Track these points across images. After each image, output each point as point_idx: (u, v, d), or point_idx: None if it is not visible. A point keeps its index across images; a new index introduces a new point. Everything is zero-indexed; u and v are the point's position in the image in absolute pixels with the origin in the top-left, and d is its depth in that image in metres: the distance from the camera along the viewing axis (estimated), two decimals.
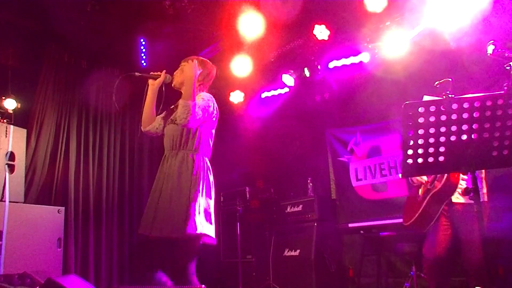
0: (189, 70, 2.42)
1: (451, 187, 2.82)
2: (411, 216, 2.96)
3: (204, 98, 2.47)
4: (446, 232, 2.88)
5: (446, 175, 2.80)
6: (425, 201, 2.89)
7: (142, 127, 2.63)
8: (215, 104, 2.52)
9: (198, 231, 2.24)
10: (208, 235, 2.34)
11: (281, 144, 5.72)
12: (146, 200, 2.50)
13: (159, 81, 2.57)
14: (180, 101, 2.34)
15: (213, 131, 2.57)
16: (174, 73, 2.61)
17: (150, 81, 2.59)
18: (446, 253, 2.85)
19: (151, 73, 2.61)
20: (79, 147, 4.82)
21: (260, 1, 4.27)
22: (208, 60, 2.68)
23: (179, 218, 2.22)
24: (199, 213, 2.29)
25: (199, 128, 2.45)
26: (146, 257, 2.40)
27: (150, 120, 2.59)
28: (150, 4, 4.31)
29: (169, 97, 2.67)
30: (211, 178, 2.48)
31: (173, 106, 2.62)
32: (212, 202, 2.43)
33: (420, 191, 3.06)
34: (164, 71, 2.61)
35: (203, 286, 2.17)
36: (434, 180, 2.94)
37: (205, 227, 2.31)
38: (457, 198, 2.87)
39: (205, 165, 2.45)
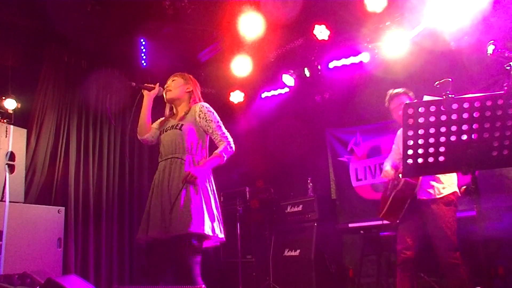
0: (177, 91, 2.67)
1: (410, 186, 2.86)
2: (383, 208, 3.07)
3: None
4: (414, 229, 2.93)
5: None
6: (391, 198, 2.97)
7: (138, 136, 2.71)
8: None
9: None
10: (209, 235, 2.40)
11: (281, 144, 5.71)
12: (146, 200, 2.53)
13: (153, 93, 2.68)
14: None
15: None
16: (165, 87, 2.70)
17: (145, 92, 2.68)
18: (416, 250, 2.90)
19: (145, 84, 2.70)
20: (79, 147, 4.81)
21: (260, 1, 4.27)
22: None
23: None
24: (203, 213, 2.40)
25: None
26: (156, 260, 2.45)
27: (147, 129, 2.69)
28: (150, 4, 4.31)
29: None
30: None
31: (163, 118, 2.75)
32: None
33: (389, 185, 3.10)
34: (158, 83, 2.72)
35: (203, 286, 2.17)
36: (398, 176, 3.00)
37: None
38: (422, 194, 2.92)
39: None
